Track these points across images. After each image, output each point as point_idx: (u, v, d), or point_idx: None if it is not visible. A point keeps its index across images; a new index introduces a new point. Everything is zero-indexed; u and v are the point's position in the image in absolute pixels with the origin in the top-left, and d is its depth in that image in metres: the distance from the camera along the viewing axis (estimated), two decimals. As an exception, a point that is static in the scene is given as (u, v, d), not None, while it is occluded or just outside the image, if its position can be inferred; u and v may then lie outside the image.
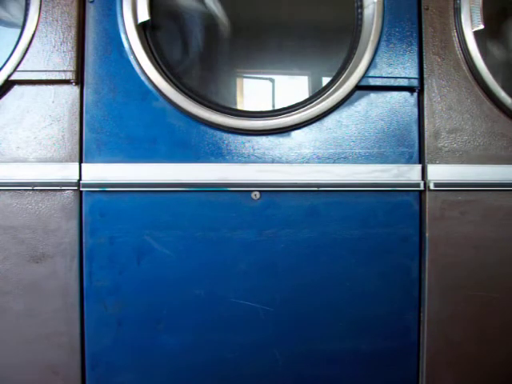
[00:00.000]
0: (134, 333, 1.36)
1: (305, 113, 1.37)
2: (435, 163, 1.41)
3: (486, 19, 1.40)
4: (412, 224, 1.42)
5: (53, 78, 1.32)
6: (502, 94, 1.41)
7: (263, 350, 1.40)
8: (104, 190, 1.33)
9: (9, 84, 1.32)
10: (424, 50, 1.41)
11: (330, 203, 1.39)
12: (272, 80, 1.53)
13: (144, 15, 1.32)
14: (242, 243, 1.37)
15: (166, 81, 1.33)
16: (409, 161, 1.42)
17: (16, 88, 1.33)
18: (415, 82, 1.40)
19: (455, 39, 1.42)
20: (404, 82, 1.40)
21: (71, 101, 1.34)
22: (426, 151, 1.41)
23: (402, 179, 1.40)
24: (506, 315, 1.45)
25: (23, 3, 1.33)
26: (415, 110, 1.42)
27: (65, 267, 1.34)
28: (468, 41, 1.40)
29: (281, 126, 1.36)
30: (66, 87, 1.34)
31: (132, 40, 1.32)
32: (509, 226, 1.44)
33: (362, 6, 1.42)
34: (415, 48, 1.41)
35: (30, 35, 1.31)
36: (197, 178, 1.34)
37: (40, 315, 1.34)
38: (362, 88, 1.40)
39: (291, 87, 1.55)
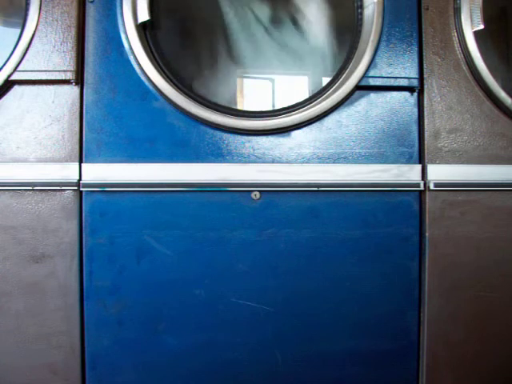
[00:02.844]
0: (134, 333, 1.36)
1: (305, 113, 1.37)
2: (435, 163, 1.41)
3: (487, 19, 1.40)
4: (412, 224, 1.42)
5: (53, 78, 1.32)
6: (502, 94, 1.41)
7: (263, 350, 1.40)
8: (104, 189, 1.33)
9: (9, 84, 1.32)
10: (424, 50, 1.41)
11: (330, 203, 1.39)
12: (272, 80, 1.54)
13: (144, 15, 1.32)
14: (242, 243, 1.37)
15: (166, 81, 1.33)
16: (409, 161, 1.42)
17: (16, 88, 1.33)
18: (415, 82, 1.40)
19: (455, 39, 1.42)
20: (404, 82, 1.40)
21: (71, 101, 1.34)
22: (426, 151, 1.41)
23: (402, 179, 1.40)
24: (506, 315, 1.45)
25: (23, 3, 1.33)
26: (415, 110, 1.42)
27: (65, 267, 1.34)
28: (468, 41, 1.40)
29: (281, 126, 1.36)
30: (66, 87, 1.34)
31: (132, 40, 1.32)
32: (509, 226, 1.44)
33: (362, 6, 1.42)
34: (415, 48, 1.41)
35: (30, 35, 1.31)
36: (197, 178, 1.34)
37: (40, 315, 1.34)
38: (362, 88, 1.40)
39: (291, 87, 1.55)
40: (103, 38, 1.34)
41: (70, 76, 1.32)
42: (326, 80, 1.47)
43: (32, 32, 1.31)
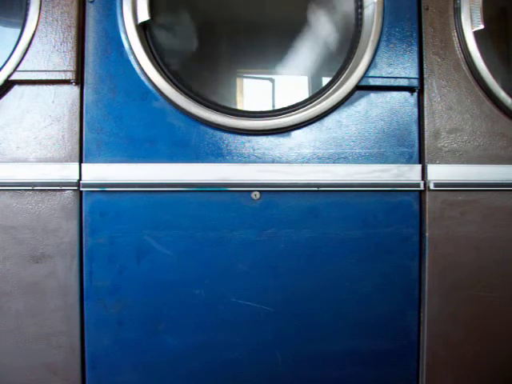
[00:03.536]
0: (134, 333, 1.36)
1: (305, 113, 1.37)
2: (435, 163, 1.41)
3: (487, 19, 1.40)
4: (412, 224, 1.42)
5: (53, 78, 1.32)
6: (502, 94, 1.41)
7: (263, 351, 1.40)
8: (104, 189, 1.33)
9: (9, 84, 1.32)
10: (424, 50, 1.41)
11: (330, 203, 1.39)
12: (272, 80, 1.54)
13: (144, 15, 1.32)
14: (242, 243, 1.37)
15: (166, 81, 1.33)
16: (409, 161, 1.42)
17: (16, 88, 1.33)
18: (415, 82, 1.40)
19: (455, 39, 1.42)
20: (404, 82, 1.40)
21: (71, 101, 1.34)
22: (426, 151, 1.41)
23: (402, 179, 1.40)
24: (506, 315, 1.45)
25: (23, 3, 1.33)
26: (415, 110, 1.42)
27: (65, 267, 1.34)
28: (468, 41, 1.40)
29: (281, 126, 1.36)
30: (66, 87, 1.34)
31: (132, 40, 1.32)
32: (509, 226, 1.44)
33: (362, 6, 1.42)
34: (415, 48, 1.41)
35: (30, 35, 1.31)
36: (197, 178, 1.34)
37: (40, 315, 1.34)
38: (362, 88, 1.40)
39: (291, 87, 1.55)
40: (103, 38, 1.34)
41: (70, 76, 1.32)
42: (326, 80, 1.47)
43: (32, 32, 1.31)
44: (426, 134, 1.41)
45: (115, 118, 1.34)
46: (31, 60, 1.31)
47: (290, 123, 1.37)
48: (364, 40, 1.40)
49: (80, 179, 1.33)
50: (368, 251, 1.41)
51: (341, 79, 1.40)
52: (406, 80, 1.40)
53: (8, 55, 1.30)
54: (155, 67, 1.33)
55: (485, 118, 1.43)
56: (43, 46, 1.32)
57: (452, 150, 1.42)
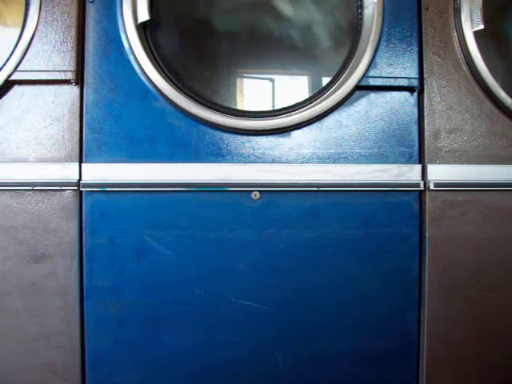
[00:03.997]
0: (134, 333, 1.36)
1: (305, 113, 1.37)
2: (435, 163, 1.41)
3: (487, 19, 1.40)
4: (412, 224, 1.42)
5: (53, 78, 1.32)
6: (502, 94, 1.41)
7: (263, 351, 1.40)
8: (104, 189, 1.33)
9: (9, 84, 1.32)
10: (424, 50, 1.41)
11: (330, 203, 1.39)
12: (272, 80, 1.53)
13: (144, 15, 1.32)
14: (242, 243, 1.37)
15: (166, 81, 1.33)
16: (409, 161, 1.42)
17: (16, 88, 1.33)
18: (415, 82, 1.40)
19: (455, 39, 1.42)
20: (404, 82, 1.40)
21: (71, 101, 1.34)
22: (426, 151, 1.41)
23: (402, 179, 1.40)
24: (506, 315, 1.45)
25: (23, 3, 1.33)
26: (415, 110, 1.42)
27: (65, 267, 1.34)
28: (468, 41, 1.40)
29: (281, 126, 1.36)
30: (66, 87, 1.34)
31: (132, 40, 1.32)
32: (509, 226, 1.44)
33: (362, 6, 1.42)
34: (415, 48, 1.41)
35: (30, 35, 1.31)
36: (197, 178, 1.34)
37: (40, 315, 1.34)
38: (362, 88, 1.40)
39: (291, 87, 1.55)
40: (103, 38, 1.34)
41: (70, 76, 1.32)
42: (326, 80, 1.47)
43: (32, 32, 1.31)
44: (426, 134, 1.41)
45: (115, 118, 1.34)
46: (31, 60, 1.31)
47: (290, 123, 1.37)
48: (364, 40, 1.40)
49: (80, 179, 1.33)
50: (368, 251, 1.41)
51: (341, 79, 1.40)
52: (405, 80, 1.40)
53: (8, 55, 1.30)
54: (155, 67, 1.33)
55: (485, 118, 1.43)
56: (43, 46, 1.32)
57: (452, 150, 1.42)
